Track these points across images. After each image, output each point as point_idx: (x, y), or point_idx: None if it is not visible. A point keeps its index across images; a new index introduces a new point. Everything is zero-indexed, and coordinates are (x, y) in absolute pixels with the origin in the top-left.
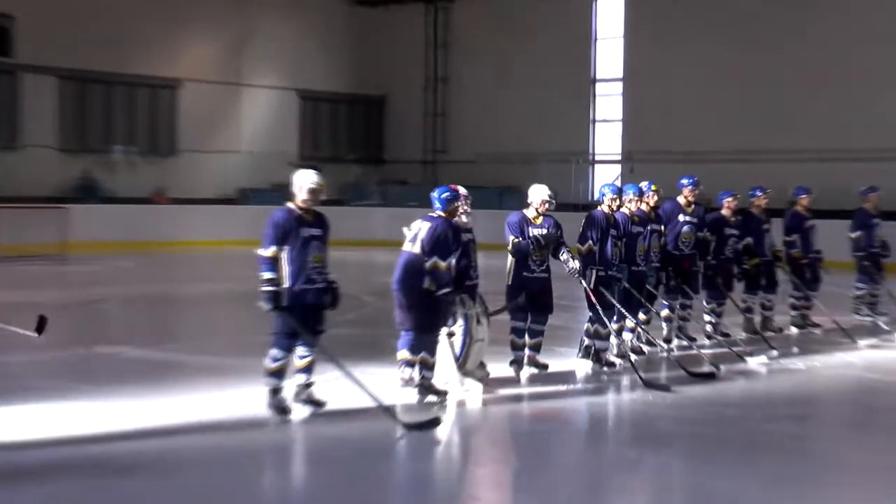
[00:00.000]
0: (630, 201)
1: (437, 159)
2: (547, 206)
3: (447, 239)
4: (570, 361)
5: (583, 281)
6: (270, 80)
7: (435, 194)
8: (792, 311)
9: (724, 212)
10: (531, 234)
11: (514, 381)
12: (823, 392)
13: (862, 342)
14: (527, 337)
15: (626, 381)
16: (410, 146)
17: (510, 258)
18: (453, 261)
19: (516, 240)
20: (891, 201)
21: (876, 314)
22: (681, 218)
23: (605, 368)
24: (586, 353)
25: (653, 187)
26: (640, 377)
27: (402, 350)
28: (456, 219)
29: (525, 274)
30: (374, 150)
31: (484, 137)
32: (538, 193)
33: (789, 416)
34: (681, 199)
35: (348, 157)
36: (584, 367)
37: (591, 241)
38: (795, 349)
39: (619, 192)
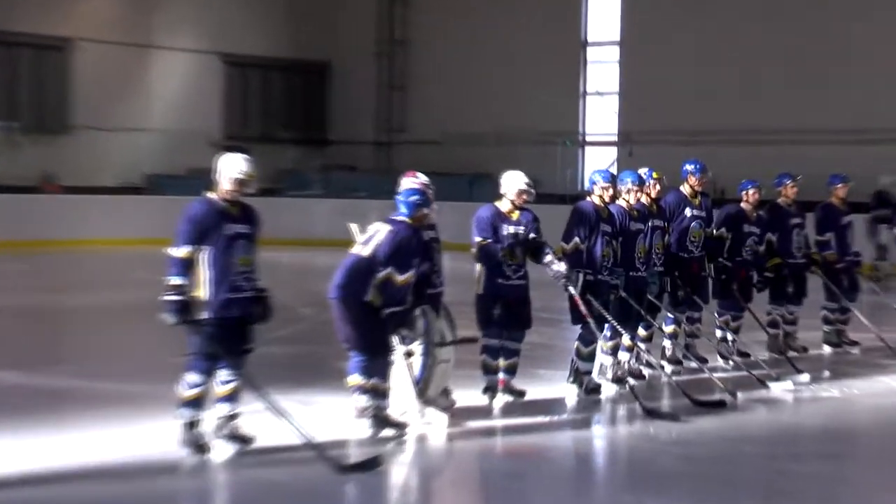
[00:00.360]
0: (628, 192)
1: (394, 140)
2: (525, 197)
3: (410, 249)
4: (553, 387)
5: (570, 287)
6: (187, 42)
7: (400, 196)
8: (825, 326)
9: (744, 205)
10: (505, 233)
11: (486, 412)
12: (861, 425)
13: None
14: (501, 358)
15: (622, 410)
16: (360, 124)
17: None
18: (412, 276)
19: (483, 241)
20: None
21: None
22: (687, 212)
23: (589, 395)
24: (578, 377)
25: (654, 174)
26: (642, 405)
27: (352, 374)
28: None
29: (499, 281)
30: (315, 129)
31: (451, 114)
32: (514, 182)
33: (819, 454)
34: (685, 189)
35: (284, 137)
36: (572, 394)
37: (577, 239)
38: (828, 373)
39: (614, 180)
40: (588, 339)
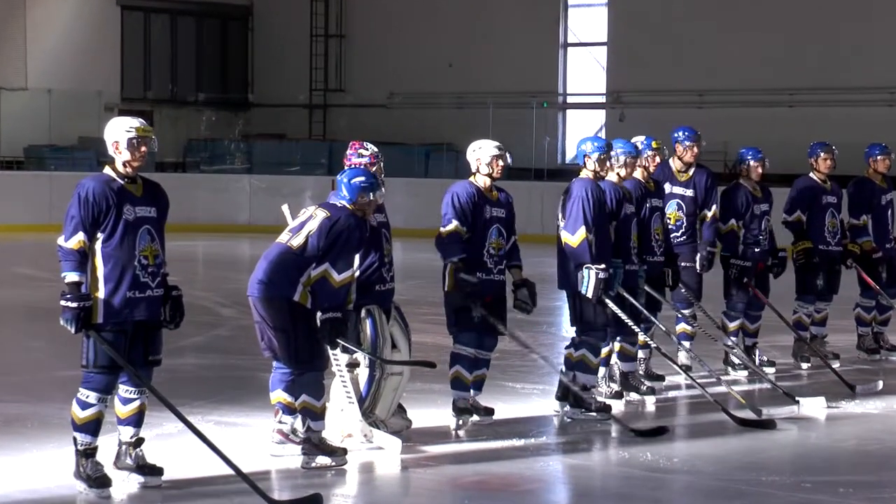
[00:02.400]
0: (621, 166)
1: (331, 102)
2: (501, 164)
3: (351, 242)
4: (528, 404)
5: (588, 290)
6: None
7: (343, 176)
8: (860, 328)
9: (746, 181)
10: (488, 216)
11: (448, 435)
12: None
13: None
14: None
15: (614, 432)
16: (290, 82)
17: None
18: (355, 274)
19: (458, 229)
20: None
21: None
22: (667, 189)
23: (596, 415)
24: (565, 395)
25: (654, 144)
26: (629, 428)
27: (275, 390)
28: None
29: (479, 275)
30: (234, 89)
31: (402, 70)
32: (484, 149)
33: (853, 483)
34: (674, 163)
35: (196, 99)
36: (560, 413)
37: (584, 227)
38: (862, 386)
39: (609, 150)
40: (598, 348)
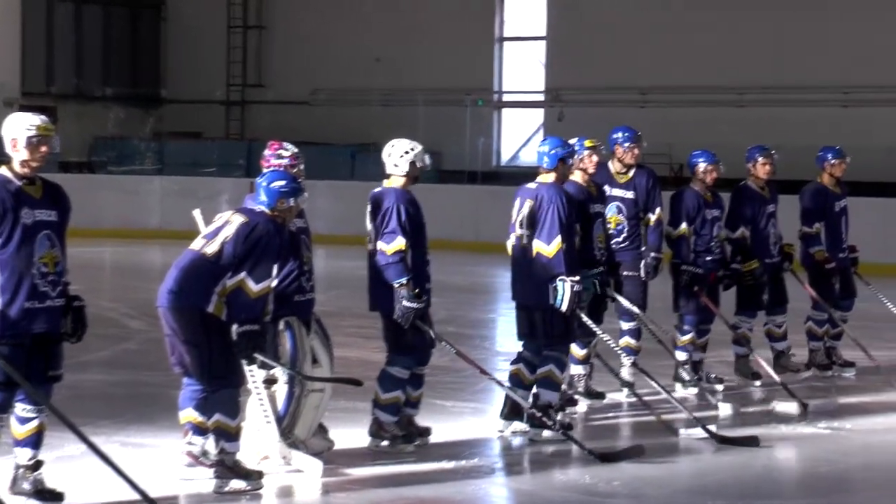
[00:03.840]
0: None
1: (250, 99)
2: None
3: (269, 251)
4: (462, 423)
5: (563, 303)
6: None
7: (262, 180)
8: (811, 343)
9: (697, 185)
10: (418, 224)
11: (375, 456)
12: (856, 472)
13: None
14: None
15: (556, 450)
16: (206, 77)
17: (387, 257)
18: (272, 284)
19: (405, 248)
20: None
21: None
22: (605, 191)
23: (550, 434)
24: (514, 412)
25: (588, 143)
26: (585, 448)
27: (185, 408)
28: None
29: (427, 286)
30: (145, 83)
31: (326, 65)
32: (416, 151)
33: None
34: (612, 165)
35: (104, 94)
36: (505, 432)
37: (560, 236)
38: (814, 403)
39: (574, 152)
40: (565, 364)
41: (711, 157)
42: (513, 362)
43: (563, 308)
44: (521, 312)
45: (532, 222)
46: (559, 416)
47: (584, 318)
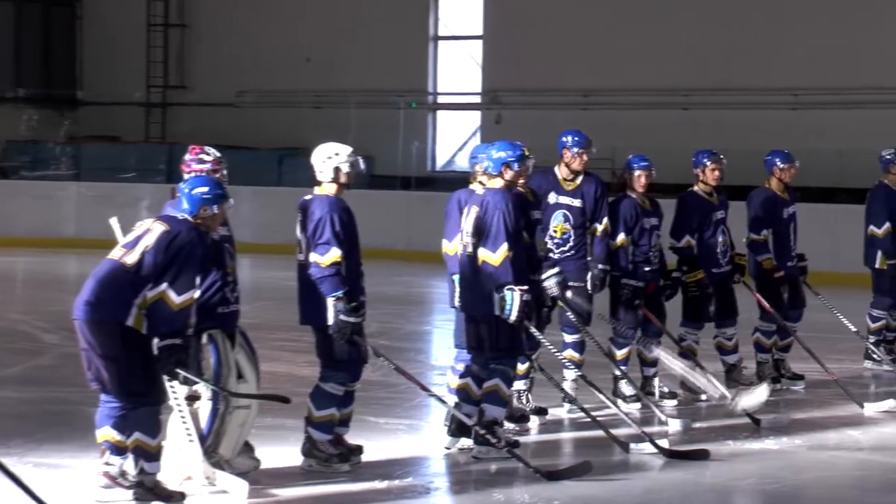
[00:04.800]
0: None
1: (172, 100)
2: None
3: (192, 260)
4: (395, 441)
5: (512, 313)
6: None
7: (184, 185)
8: (759, 355)
9: (634, 192)
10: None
11: (304, 476)
12: (806, 490)
13: (871, 406)
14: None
15: (522, 467)
16: (125, 78)
17: (322, 270)
18: (195, 297)
19: (336, 259)
20: None
21: (895, 359)
22: (552, 198)
23: (504, 453)
24: (461, 428)
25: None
26: (531, 465)
27: (102, 427)
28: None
29: (362, 298)
30: (60, 84)
31: (252, 65)
32: (343, 156)
33: None
34: (560, 170)
35: (15, 96)
36: (451, 449)
37: (507, 244)
38: (766, 418)
39: (525, 157)
40: (512, 378)
41: (643, 162)
42: (461, 376)
43: (512, 319)
44: (470, 324)
45: (478, 230)
46: (505, 433)
47: (532, 330)
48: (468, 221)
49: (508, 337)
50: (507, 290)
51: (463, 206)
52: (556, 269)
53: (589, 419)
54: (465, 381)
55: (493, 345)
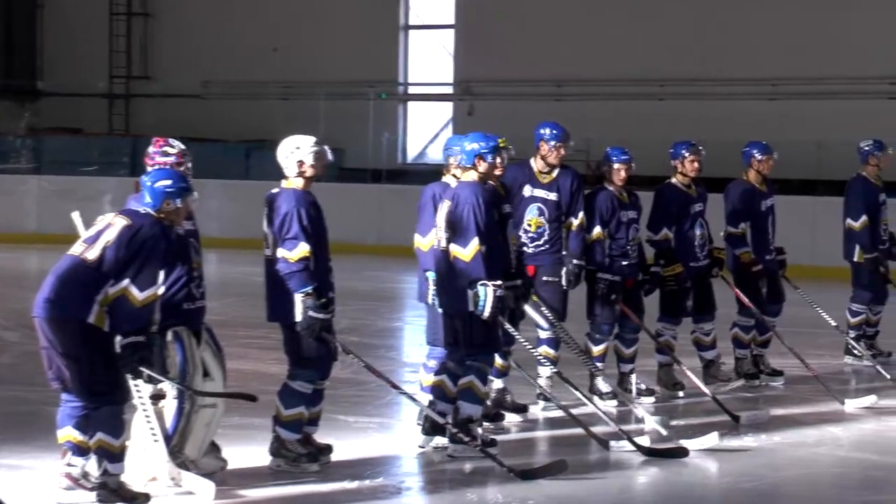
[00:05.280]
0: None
1: (135, 92)
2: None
3: (155, 255)
4: (366, 440)
5: (485, 309)
6: None
7: (146, 178)
8: (738, 351)
9: (611, 185)
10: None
11: (272, 476)
12: (785, 488)
13: (851, 402)
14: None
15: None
16: (87, 68)
17: (290, 265)
18: (159, 290)
19: (304, 254)
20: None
21: (876, 354)
22: (526, 191)
23: (479, 452)
24: (436, 427)
25: (500, 142)
26: (505, 465)
27: (64, 427)
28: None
29: (331, 295)
30: (20, 75)
31: (218, 55)
32: (284, 148)
33: None
34: (535, 163)
35: None
36: (426, 448)
37: (477, 238)
38: (745, 415)
39: (500, 149)
40: (487, 374)
41: (622, 154)
42: (435, 373)
43: (486, 315)
44: (446, 320)
45: (450, 225)
46: (481, 431)
47: (507, 326)
48: (440, 216)
49: (483, 333)
50: (480, 285)
51: (437, 200)
52: (499, 282)
53: (566, 417)
54: (440, 379)
55: (468, 341)
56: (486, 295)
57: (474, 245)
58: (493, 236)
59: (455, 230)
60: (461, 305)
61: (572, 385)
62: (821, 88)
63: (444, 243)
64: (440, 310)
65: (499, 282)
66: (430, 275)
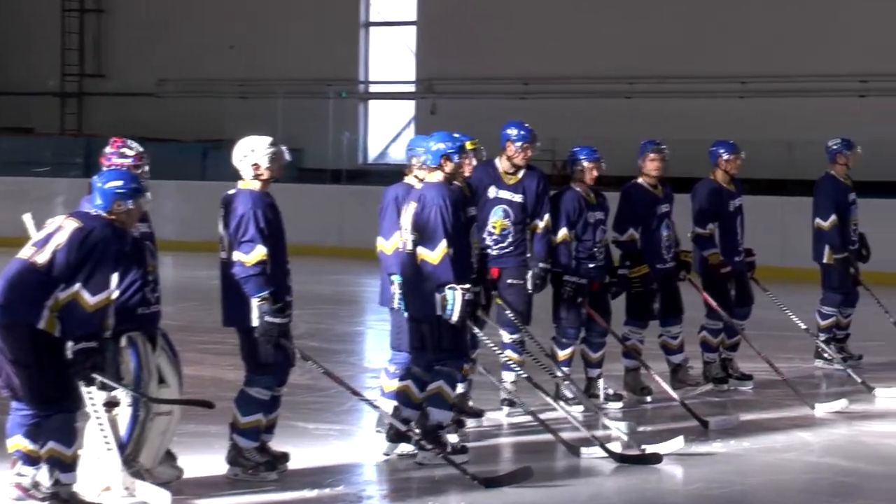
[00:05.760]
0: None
1: (89, 90)
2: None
3: (106, 258)
4: (330, 448)
5: (454, 313)
6: None
7: (98, 180)
8: (706, 354)
9: (578, 185)
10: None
11: (229, 485)
12: (754, 494)
13: (821, 407)
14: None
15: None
16: (38, 66)
17: (247, 269)
18: (111, 296)
19: (261, 257)
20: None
21: (846, 357)
22: (491, 192)
23: (451, 458)
24: (399, 435)
25: (469, 144)
26: (468, 472)
27: (13, 435)
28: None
29: (288, 299)
30: None
31: (174, 53)
32: (238, 150)
33: None
34: (501, 163)
35: None
36: (391, 455)
37: (445, 241)
38: (714, 420)
39: (461, 151)
40: (456, 380)
41: (592, 154)
42: (400, 378)
43: (454, 319)
44: (413, 325)
45: (417, 227)
46: (456, 438)
47: (476, 330)
48: (406, 218)
49: (451, 337)
50: (449, 289)
51: (400, 202)
52: (467, 286)
53: (531, 422)
54: (405, 384)
55: (436, 346)
56: (455, 299)
57: (442, 248)
58: (460, 239)
59: (422, 233)
60: (429, 310)
61: (543, 390)
62: (792, 86)
63: (409, 246)
64: (406, 314)
65: (467, 285)
66: (396, 278)
